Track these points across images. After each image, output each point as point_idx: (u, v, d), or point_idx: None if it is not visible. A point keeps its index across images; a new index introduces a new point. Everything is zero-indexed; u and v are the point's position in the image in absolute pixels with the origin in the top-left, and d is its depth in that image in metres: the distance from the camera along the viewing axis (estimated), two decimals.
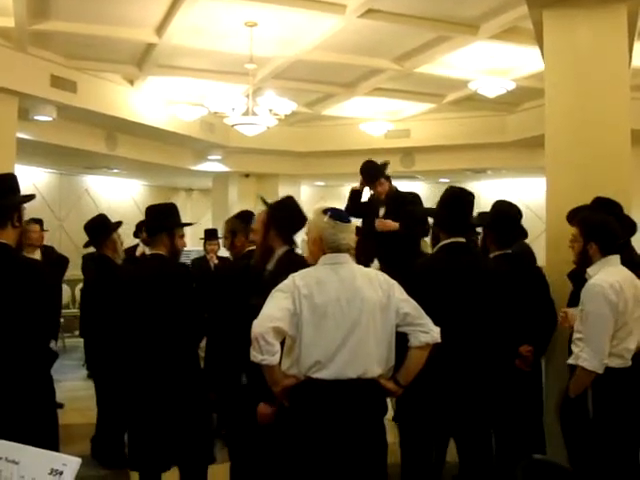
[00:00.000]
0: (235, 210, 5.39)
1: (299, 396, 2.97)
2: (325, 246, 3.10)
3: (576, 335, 3.61)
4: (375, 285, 3.02)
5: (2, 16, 6.92)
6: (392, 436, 4.55)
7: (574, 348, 3.63)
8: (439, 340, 3.00)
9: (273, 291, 3.00)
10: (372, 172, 5.65)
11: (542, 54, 5.11)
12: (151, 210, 4.17)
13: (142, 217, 10.66)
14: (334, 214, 3.12)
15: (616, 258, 3.62)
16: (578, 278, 3.87)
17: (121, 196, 14.19)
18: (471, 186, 13.62)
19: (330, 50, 8.12)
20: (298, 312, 2.92)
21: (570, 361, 3.64)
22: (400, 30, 7.41)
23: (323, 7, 6.78)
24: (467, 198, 3.94)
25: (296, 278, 3.00)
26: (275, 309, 2.91)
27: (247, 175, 13.76)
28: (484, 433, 3.91)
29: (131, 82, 9.82)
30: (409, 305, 3.02)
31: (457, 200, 3.92)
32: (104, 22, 7.26)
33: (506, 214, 4.47)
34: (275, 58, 8.41)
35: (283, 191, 13.81)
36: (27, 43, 7.72)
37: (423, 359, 3.01)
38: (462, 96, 10.12)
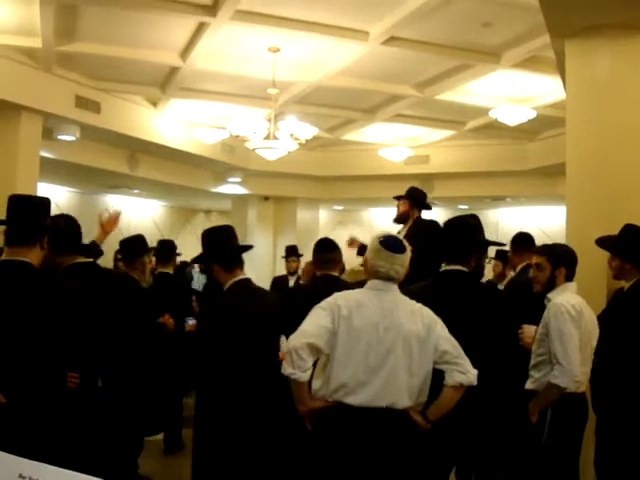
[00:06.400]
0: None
1: (326, 420, 2.92)
2: (368, 271, 3.07)
3: (536, 359, 3.66)
4: (416, 317, 2.96)
5: (29, 36, 7.05)
6: None
7: (534, 373, 3.65)
8: (475, 383, 2.90)
9: (314, 307, 2.96)
10: (422, 199, 5.68)
11: (564, 83, 5.11)
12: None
13: (161, 237, 10.79)
14: (385, 242, 3.03)
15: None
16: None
17: (141, 216, 14.28)
18: (490, 213, 13.60)
19: (352, 76, 8.18)
20: (335, 331, 2.88)
21: (529, 386, 3.65)
22: (422, 57, 7.46)
23: (346, 34, 6.85)
24: (466, 225, 3.71)
25: (338, 297, 2.96)
26: (313, 326, 2.88)
27: (266, 198, 13.80)
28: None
29: (154, 104, 9.93)
30: (449, 343, 2.95)
31: (455, 228, 3.73)
32: (129, 44, 7.38)
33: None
34: (297, 83, 8.48)
35: (302, 214, 13.90)
36: (53, 63, 7.86)
37: (455, 399, 2.93)
38: (482, 124, 10.14)
